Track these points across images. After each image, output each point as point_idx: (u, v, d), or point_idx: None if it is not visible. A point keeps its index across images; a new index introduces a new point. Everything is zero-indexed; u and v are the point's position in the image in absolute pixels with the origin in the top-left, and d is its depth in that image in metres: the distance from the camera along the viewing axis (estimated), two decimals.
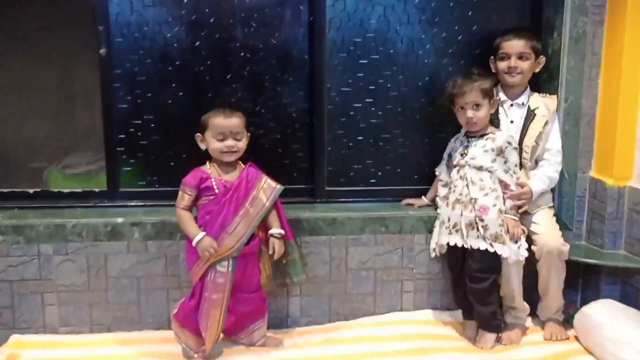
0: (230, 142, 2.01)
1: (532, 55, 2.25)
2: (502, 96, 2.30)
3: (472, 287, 2.17)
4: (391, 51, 2.43)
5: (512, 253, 2.10)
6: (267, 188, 2.06)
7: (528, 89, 2.30)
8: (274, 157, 2.44)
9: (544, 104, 2.26)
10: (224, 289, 1.97)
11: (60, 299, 2.18)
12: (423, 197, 2.43)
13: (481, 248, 2.11)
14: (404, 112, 2.47)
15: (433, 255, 2.31)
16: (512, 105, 2.30)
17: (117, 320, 2.23)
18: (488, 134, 2.18)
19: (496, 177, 2.14)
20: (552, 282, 2.18)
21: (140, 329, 2.22)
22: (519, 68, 2.23)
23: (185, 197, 2.01)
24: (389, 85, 2.45)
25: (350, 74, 2.43)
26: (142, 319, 2.24)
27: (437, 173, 2.37)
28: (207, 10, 2.33)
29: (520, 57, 2.24)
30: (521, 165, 2.22)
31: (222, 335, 2.08)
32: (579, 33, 2.29)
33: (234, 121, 2.02)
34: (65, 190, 2.38)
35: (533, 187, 2.18)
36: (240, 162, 2.09)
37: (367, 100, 2.46)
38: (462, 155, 2.19)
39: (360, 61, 2.43)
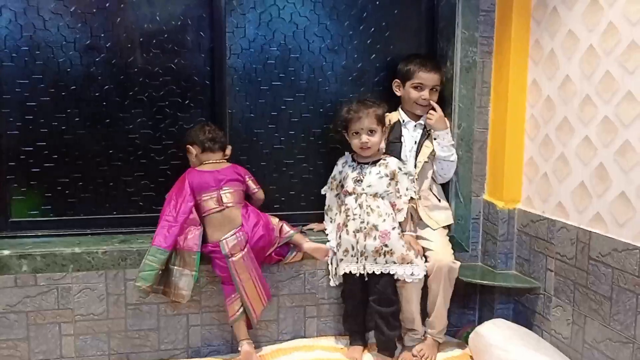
0: None
1: (439, 87, 2.37)
2: (404, 117, 2.38)
3: (381, 311, 2.21)
4: (292, 78, 2.45)
5: (421, 270, 2.19)
6: None
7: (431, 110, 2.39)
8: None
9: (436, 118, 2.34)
10: None
11: None
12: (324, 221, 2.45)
13: (391, 272, 2.17)
14: (306, 137, 2.50)
15: (334, 283, 2.33)
16: (415, 125, 2.38)
17: (5, 358, 2.10)
18: (380, 160, 2.24)
19: (388, 200, 2.21)
20: (439, 298, 2.24)
21: None
22: (429, 100, 2.33)
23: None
24: (290, 111, 2.47)
25: (252, 100, 2.44)
26: (31, 356, 2.13)
27: (327, 194, 2.40)
28: (102, 34, 2.28)
29: (433, 89, 2.34)
30: None
31: None
32: (469, 63, 2.40)
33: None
34: None
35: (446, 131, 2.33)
36: None
37: (270, 125, 2.47)
38: (357, 182, 2.23)
39: (262, 87, 2.44)
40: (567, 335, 2.06)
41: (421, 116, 2.39)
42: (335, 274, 2.30)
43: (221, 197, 2.15)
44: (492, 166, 2.43)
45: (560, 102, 2.07)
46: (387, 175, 2.21)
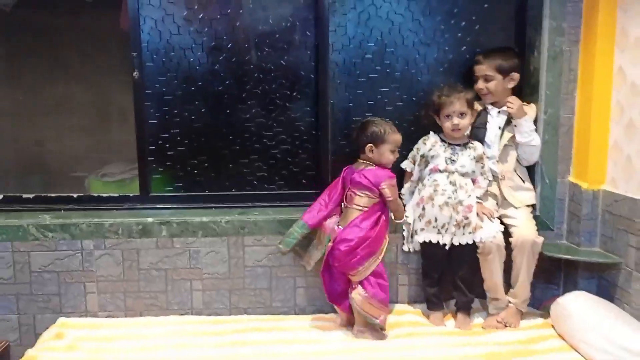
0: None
1: (498, 75, 2.50)
2: (490, 105, 2.57)
3: (462, 275, 2.48)
4: (388, 70, 2.71)
5: (492, 232, 2.40)
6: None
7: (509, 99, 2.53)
8: (284, 166, 2.75)
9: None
10: None
11: (99, 288, 2.53)
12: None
13: (469, 242, 2.42)
14: (400, 124, 2.75)
15: (407, 249, 2.57)
16: (499, 112, 2.56)
17: (147, 306, 2.56)
18: (468, 143, 2.46)
19: (471, 179, 2.45)
20: (523, 271, 2.42)
21: (167, 314, 2.55)
22: (484, 89, 2.52)
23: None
24: (386, 100, 2.74)
25: (351, 91, 2.73)
26: (169, 306, 2.57)
27: (407, 169, 2.60)
28: (225, 37, 2.66)
29: (486, 79, 2.51)
30: None
31: None
32: (556, 52, 2.54)
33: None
34: (104, 195, 2.73)
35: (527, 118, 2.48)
36: None
37: (367, 114, 2.74)
38: (450, 161, 2.46)
39: (360, 79, 2.72)
40: None
41: (503, 104, 2.54)
42: (411, 241, 2.54)
43: (351, 196, 2.43)
44: (578, 149, 2.56)
45: None
46: (474, 158, 2.44)
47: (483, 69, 2.52)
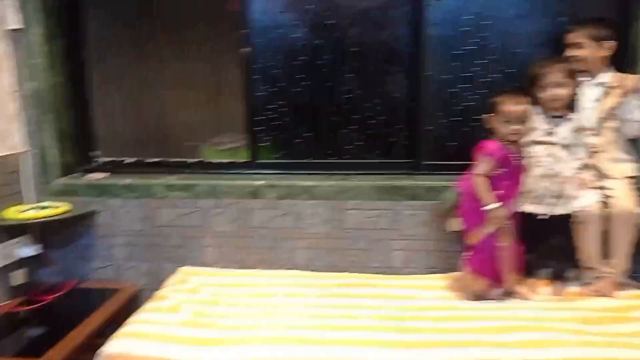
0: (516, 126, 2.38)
1: (592, 43, 2.49)
2: (584, 77, 2.58)
3: (559, 246, 2.53)
4: (483, 43, 2.79)
5: (589, 202, 2.44)
6: None
7: (605, 69, 2.53)
8: (381, 136, 2.92)
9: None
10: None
11: (215, 242, 2.83)
12: None
13: (567, 212, 2.47)
14: (495, 95, 2.82)
15: None
16: (595, 84, 2.54)
17: (258, 261, 2.82)
18: (568, 114, 2.50)
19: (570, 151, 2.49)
20: (620, 242, 2.45)
21: (275, 269, 2.80)
22: (578, 57, 2.52)
23: (486, 166, 2.38)
24: (481, 72, 2.82)
25: (447, 63, 2.83)
26: (276, 261, 2.82)
27: None
28: (327, 13, 2.85)
29: (579, 47, 2.52)
30: None
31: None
32: None
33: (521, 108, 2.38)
34: (218, 161, 3.03)
35: None
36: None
37: (462, 86, 2.84)
38: (550, 133, 2.51)
39: (456, 52, 2.82)
40: None
41: (597, 75, 2.54)
42: None
43: None
44: None
45: None
46: (575, 130, 2.48)
47: (576, 36, 2.53)
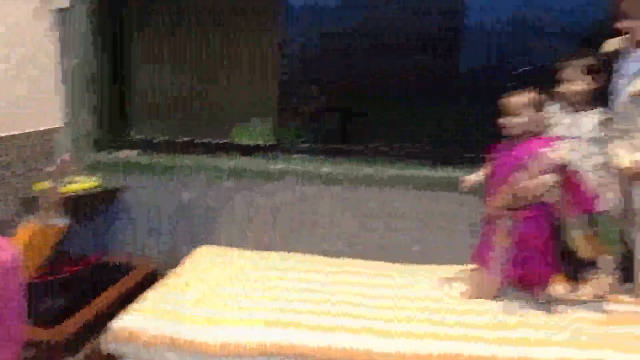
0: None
1: None
2: (626, 43, 2.36)
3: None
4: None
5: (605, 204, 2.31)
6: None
7: None
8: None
9: None
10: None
11: (235, 223, 2.86)
12: None
13: None
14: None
15: None
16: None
17: (276, 244, 2.81)
18: (591, 108, 2.36)
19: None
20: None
21: (292, 252, 2.76)
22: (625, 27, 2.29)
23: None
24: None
25: (483, 57, 2.72)
26: (295, 246, 2.78)
27: None
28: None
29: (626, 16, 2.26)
30: None
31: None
32: None
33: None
34: (244, 144, 3.02)
35: None
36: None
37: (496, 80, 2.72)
38: (572, 128, 2.36)
39: (492, 43, 2.70)
40: None
41: None
42: None
43: None
44: None
45: None
46: (599, 123, 2.34)
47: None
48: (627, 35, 2.35)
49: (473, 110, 2.74)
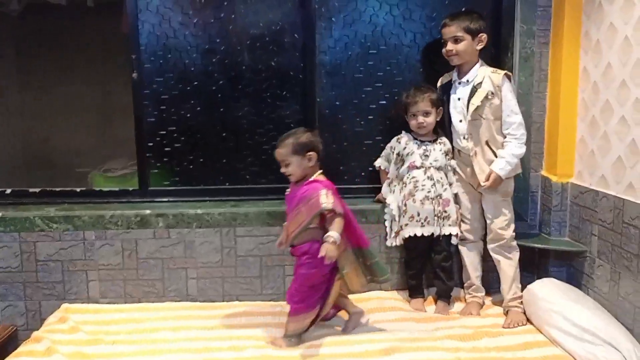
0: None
1: (467, 36, 2.50)
2: (454, 76, 2.62)
3: (444, 266, 2.65)
4: (371, 71, 2.88)
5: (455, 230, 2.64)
6: (313, 204, 2.24)
7: (477, 65, 2.54)
8: (275, 161, 2.91)
9: (489, 78, 2.49)
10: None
11: (100, 276, 2.70)
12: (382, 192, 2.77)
13: (452, 233, 2.61)
14: (383, 121, 2.91)
15: (391, 244, 2.69)
16: (459, 83, 2.59)
17: (145, 293, 2.73)
18: (437, 139, 2.63)
19: (445, 172, 2.62)
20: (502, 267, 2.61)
21: (163, 301, 2.72)
22: (453, 50, 2.53)
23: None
24: (369, 99, 2.90)
25: (337, 90, 2.89)
26: (165, 293, 2.75)
27: (382, 167, 2.75)
28: (218, 40, 2.83)
29: (455, 40, 2.52)
30: None
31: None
32: (527, 53, 2.70)
33: (280, 152, 2.35)
34: (105, 189, 2.91)
35: (499, 172, 2.46)
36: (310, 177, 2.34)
37: (352, 112, 2.91)
38: (425, 157, 2.61)
39: (346, 80, 2.88)
40: (606, 291, 2.35)
41: (467, 72, 2.55)
42: (395, 236, 2.66)
43: None
44: (549, 145, 2.72)
45: (604, 86, 2.34)
46: (446, 153, 2.61)
47: (452, 30, 2.52)
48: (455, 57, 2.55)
49: (332, 144, 2.88)
